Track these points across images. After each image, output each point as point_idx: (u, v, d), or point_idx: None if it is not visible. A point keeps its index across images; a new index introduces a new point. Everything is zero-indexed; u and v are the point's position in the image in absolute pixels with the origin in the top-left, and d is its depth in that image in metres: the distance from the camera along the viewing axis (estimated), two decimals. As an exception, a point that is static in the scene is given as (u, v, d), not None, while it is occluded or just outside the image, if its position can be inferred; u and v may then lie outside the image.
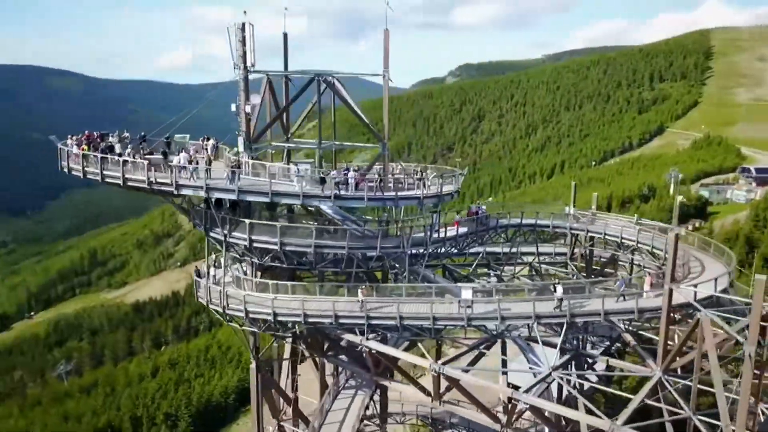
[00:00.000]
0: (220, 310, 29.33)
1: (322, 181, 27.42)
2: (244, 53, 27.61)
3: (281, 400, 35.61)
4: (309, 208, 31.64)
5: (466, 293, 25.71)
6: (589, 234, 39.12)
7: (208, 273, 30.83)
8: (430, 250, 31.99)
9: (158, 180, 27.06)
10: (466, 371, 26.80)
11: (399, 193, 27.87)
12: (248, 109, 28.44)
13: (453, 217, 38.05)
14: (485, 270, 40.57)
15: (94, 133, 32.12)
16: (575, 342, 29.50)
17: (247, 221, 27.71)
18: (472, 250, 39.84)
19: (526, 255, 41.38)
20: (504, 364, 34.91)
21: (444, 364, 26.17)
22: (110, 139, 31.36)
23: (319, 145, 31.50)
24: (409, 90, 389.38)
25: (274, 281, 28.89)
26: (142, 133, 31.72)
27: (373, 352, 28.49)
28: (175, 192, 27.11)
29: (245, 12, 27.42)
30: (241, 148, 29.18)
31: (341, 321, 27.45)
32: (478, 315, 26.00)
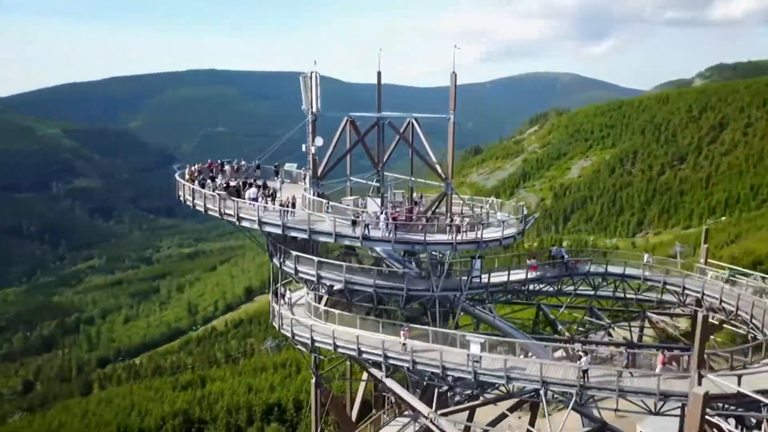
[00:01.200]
0: (289, 335, 33.11)
1: (353, 222, 29.31)
2: (311, 100, 30.95)
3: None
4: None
5: (475, 347, 25.86)
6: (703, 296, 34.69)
7: (282, 297, 35.02)
8: (466, 297, 32.17)
9: (226, 212, 31.41)
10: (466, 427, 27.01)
11: (428, 238, 28.59)
12: (313, 149, 31.62)
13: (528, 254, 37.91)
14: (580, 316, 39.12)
15: (218, 161, 38.56)
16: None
17: (298, 255, 30.91)
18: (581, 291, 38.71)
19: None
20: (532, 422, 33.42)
21: (443, 414, 26.70)
22: (226, 167, 37.42)
23: (381, 182, 33.90)
24: (648, 92, 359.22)
25: (338, 311, 31.72)
26: (257, 162, 36.94)
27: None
28: (238, 224, 31.12)
29: (315, 62, 30.93)
30: (307, 184, 32.73)
31: (390, 361, 28.90)
32: (486, 371, 25.98)
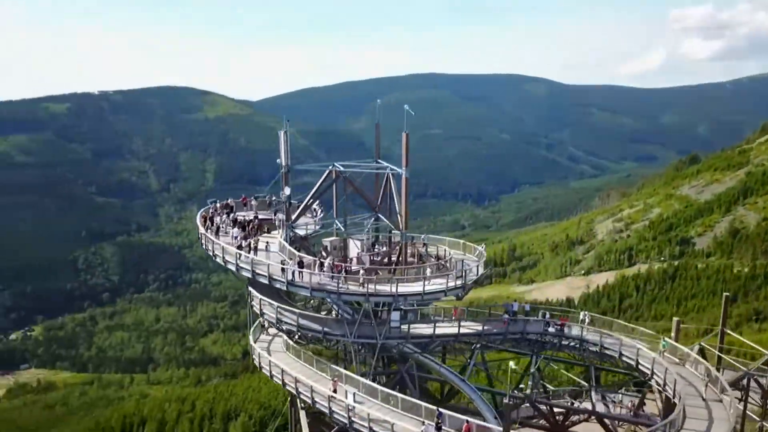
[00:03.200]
0: (267, 375, 35.14)
1: (282, 269, 31.23)
2: (283, 154, 35.16)
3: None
4: None
5: (350, 396, 28.30)
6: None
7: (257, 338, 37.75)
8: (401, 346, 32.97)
9: (214, 252, 35.47)
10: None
11: (340, 288, 30.31)
12: (283, 198, 35.58)
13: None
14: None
15: (249, 197, 43.35)
16: None
17: (276, 304, 33.12)
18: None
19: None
20: None
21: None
22: (253, 202, 42.24)
23: (368, 228, 36.83)
24: None
25: (302, 351, 34.33)
26: (287, 193, 38.57)
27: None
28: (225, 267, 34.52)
29: (288, 120, 35.34)
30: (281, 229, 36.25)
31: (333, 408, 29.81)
32: (358, 420, 27.50)
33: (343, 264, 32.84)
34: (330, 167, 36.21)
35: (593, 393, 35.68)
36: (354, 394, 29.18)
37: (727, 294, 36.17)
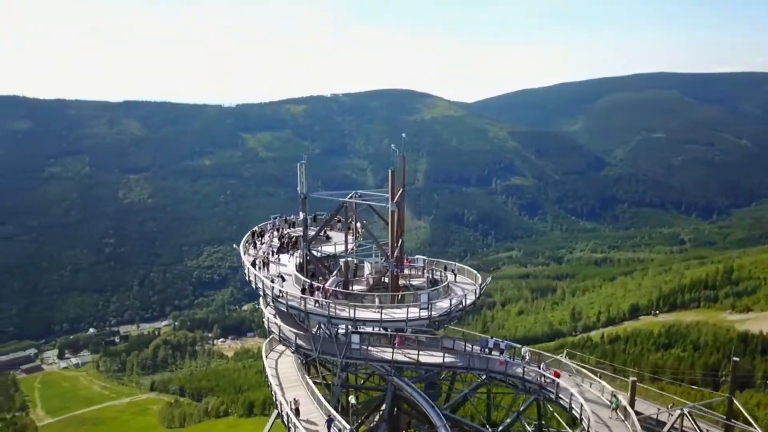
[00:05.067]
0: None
1: (303, 291, 34.18)
2: (300, 184, 37.66)
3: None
4: None
5: None
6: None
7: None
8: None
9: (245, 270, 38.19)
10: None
11: (308, 309, 32.70)
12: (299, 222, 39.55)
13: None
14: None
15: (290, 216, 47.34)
16: None
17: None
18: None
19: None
20: None
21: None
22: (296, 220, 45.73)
23: (345, 253, 38.53)
24: None
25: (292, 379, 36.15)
26: (314, 214, 42.19)
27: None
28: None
29: (305, 156, 38.60)
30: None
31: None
32: None
33: (322, 286, 35.14)
34: (343, 200, 38.29)
35: None
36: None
37: (736, 360, 33.95)
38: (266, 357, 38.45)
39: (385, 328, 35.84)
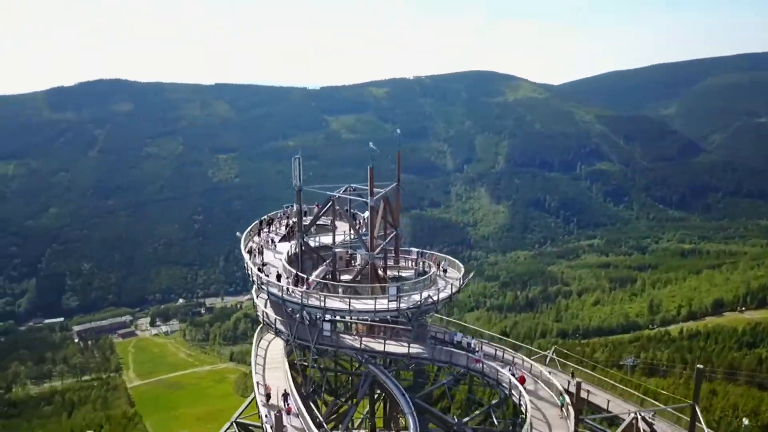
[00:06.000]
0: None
1: (278, 278, 36.41)
2: (296, 177, 39.26)
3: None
4: None
5: None
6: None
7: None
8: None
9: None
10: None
11: (284, 296, 34.59)
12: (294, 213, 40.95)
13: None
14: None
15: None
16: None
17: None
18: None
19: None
20: None
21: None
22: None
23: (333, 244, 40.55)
24: None
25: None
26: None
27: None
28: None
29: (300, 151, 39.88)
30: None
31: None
32: None
33: (304, 276, 36.82)
34: (331, 195, 40.03)
35: None
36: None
37: (700, 367, 32.65)
38: (256, 342, 40.34)
39: (366, 318, 37.11)
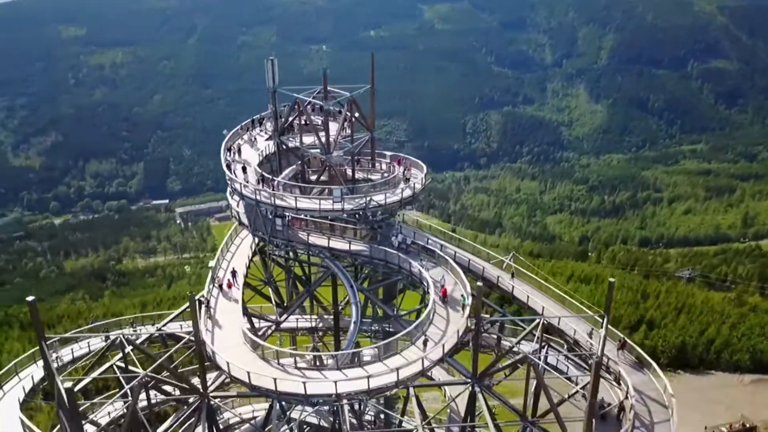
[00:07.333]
0: None
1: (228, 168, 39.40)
2: (269, 80, 40.45)
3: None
4: None
5: None
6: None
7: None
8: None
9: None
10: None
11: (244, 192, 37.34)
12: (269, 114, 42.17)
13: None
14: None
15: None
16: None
17: None
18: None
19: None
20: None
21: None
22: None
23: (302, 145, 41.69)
24: None
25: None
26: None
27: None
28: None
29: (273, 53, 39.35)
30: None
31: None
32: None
33: (270, 177, 38.74)
34: (297, 98, 41.27)
35: None
36: None
37: (612, 280, 32.96)
38: (230, 236, 44.14)
39: (324, 217, 38.78)
